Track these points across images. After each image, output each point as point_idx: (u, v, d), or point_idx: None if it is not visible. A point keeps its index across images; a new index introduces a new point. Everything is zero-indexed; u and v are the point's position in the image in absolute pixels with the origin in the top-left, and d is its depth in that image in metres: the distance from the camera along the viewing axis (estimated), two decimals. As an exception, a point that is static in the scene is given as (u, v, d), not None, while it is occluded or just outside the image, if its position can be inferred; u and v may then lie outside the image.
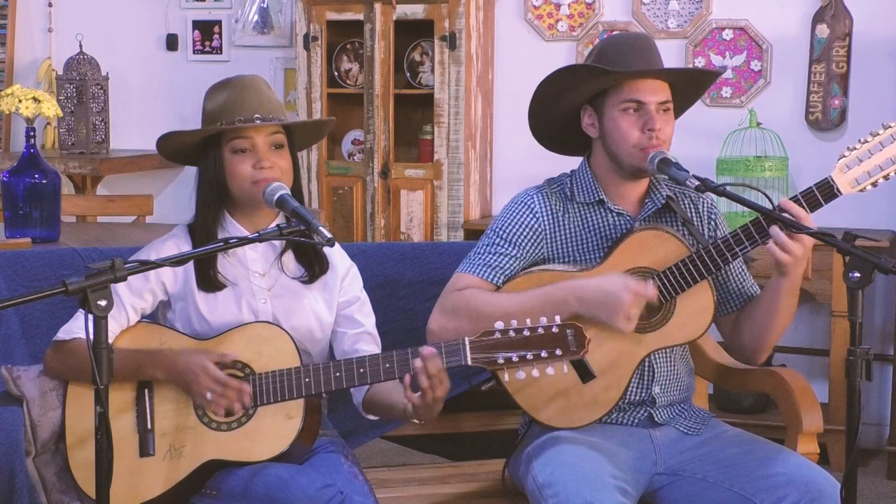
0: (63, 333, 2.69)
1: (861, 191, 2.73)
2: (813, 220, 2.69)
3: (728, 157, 4.90)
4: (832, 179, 2.71)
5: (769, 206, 2.69)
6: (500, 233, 2.85)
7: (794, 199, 2.71)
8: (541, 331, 2.51)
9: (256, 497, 2.52)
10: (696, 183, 2.67)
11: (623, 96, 2.78)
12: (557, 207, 2.87)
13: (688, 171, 2.71)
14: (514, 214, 2.86)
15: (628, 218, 2.86)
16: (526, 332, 2.51)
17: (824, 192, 2.71)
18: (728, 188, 2.69)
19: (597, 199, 2.86)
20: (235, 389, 2.57)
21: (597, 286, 2.69)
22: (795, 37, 5.05)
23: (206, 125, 2.73)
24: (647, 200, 2.89)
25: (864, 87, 4.99)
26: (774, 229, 2.67)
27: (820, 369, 4.98)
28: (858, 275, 2.35)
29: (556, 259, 2.85)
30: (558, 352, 2.50)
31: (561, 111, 2.88)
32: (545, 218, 2.85)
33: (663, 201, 2.88)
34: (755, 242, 2.74)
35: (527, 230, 2.84)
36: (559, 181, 2.92)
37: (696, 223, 2.90)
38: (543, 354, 2.50)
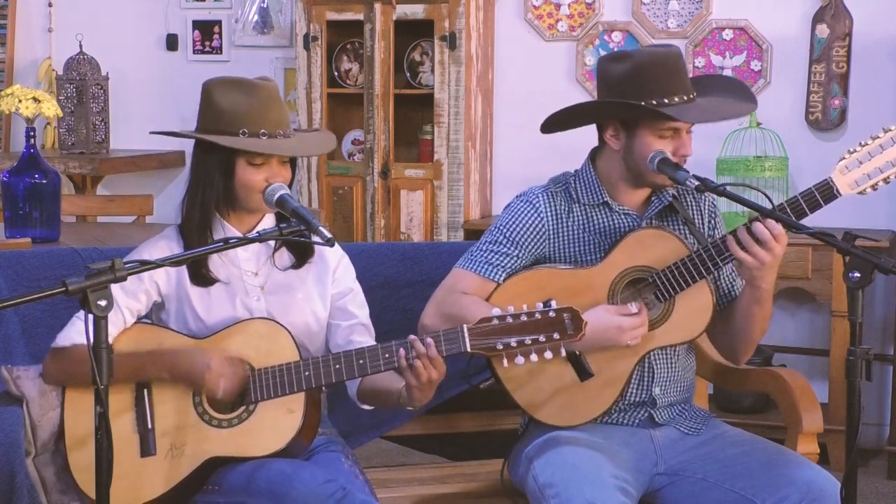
0: (61, 340, 2.68)
1: (861, 193, 2.73)
2: (813, 220, 2.70)
3: (728, 157, 4.90)
4: (832, 181, 2.71)
5: (769, 206, 2.69)
6: (504, 231, 2.85)
7: (794, 200, 2.71)
8: (538, 316, 2.53)
9: (258, 492, 2.51)
10: (696, 183, 2.68)
11: (664, 125, 2.77)
12: (562, 207, 2.87)
13: (688, 171, 2.72)
14: (519, 214, 2.86)
15: (634, 217, 2.86)
16: (523, 318, 2.53)
17: (824, 193, 2.71)
18: (728, 188, 2.70)
19: (601, 200, 2.86)
20: (242, 365, 2.60)
21: (591, 336, 2.63)
22: (795, 37, 5.05)
23: (218, 123, 2.69)
24: (653, 199, 2.89)
25: (864, 87, 4.99)
26: (741, 230, 2.68)
27: (820, 369, 4.98)
28: (858, 275, 2.35)
29: (557, 258, 2.85)
30: (556, 336, 2.52)
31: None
32: (549, 218, 2.85)
33: (669, 200, 2.88)
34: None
35: (530, 230, 2.84)
36: (563, 180, 2.92)
37: (697, 222, 2.91)
38: (541, 339, 2.52)
